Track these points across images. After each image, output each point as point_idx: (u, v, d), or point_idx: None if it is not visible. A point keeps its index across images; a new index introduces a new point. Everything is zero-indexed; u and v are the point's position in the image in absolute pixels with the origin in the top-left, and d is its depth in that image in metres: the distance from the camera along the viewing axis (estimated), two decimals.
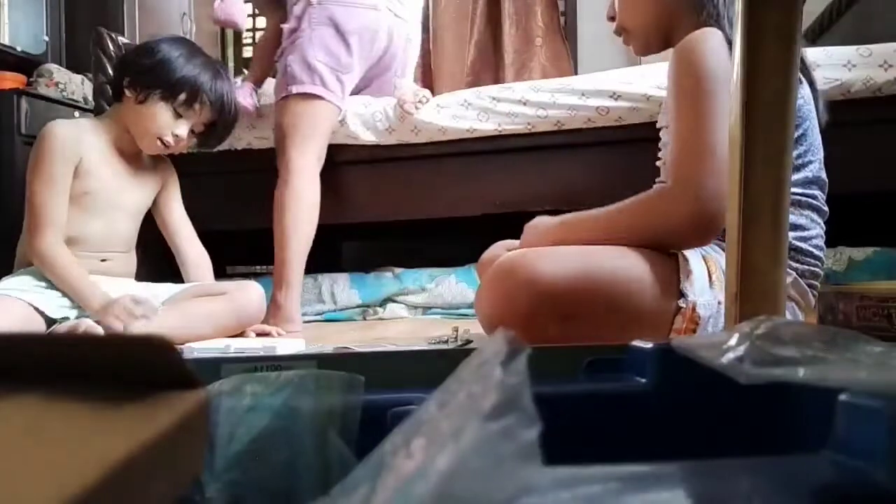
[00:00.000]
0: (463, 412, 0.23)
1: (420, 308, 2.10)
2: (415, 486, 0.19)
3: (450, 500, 0.18)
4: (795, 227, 0.97)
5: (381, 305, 2.10)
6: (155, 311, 1.40)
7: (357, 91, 1.90)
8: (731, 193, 0.55)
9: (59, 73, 2.73)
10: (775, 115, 0.53)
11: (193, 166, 1.89)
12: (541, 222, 1.06)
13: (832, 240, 1.43)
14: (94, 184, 1.53)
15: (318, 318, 2.06)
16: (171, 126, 1.54)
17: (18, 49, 2.81)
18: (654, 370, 0.43)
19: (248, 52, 4.06)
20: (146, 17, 3.10)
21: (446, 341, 1.37)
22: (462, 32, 3.38)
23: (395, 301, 2.10)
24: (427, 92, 1.88)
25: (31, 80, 2.66)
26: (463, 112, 1.85)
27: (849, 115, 1.53)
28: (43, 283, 1.46)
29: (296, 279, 1.66)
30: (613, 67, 1.89)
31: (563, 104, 1.77)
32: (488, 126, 1.83)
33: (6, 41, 2.79)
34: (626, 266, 0.88)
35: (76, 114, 2.64)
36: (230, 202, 2.02)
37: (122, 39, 2.02)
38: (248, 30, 3.91)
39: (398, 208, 1.97)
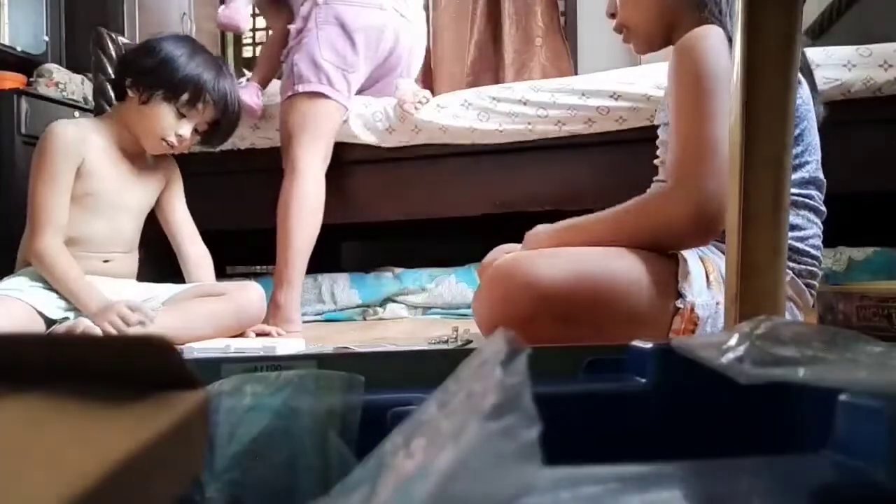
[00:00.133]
0: (463, 412, 0.23)
1: (420, 308, 2.10)
2: (415, 486, 0.19)
3: (450, 500, 0.18)
4: (792, 227, 0.97)
5: (381, 305, 2.10)
6: (151, 318, 1.38)
7: (362, 91, 1.90)
8: (731, 193, 0.55)
9: (59, 73, 2.73)
10: (775, 115, 0.53)
11: (195, 166, 1.89)
12: (541, 230, 1.05)
13: (832, 240, 1.43)
14: (97, 184, 1.52)
15: (318, 318, 2.06)
16: (174, 126, 1.54)
17: (18, 49, 2.81)
18: (653, 370, 0.43)
19: (248, 53, 4.07)
20: (146, 17, 3.10)
21: (446, 341, 1.37)
22: (462, 32, 3.38)
23: (395, 301, 2.10)
24: (427, 92, 1.88)
25: (31, 80, 2.66)
26: (463, 112, 1.84)
27: (849, 115, 1.54)
28: (43, 284, 1.45)
29: (297, 279, 1.66)
30: (613, 67, 1.89)
31: (564, 104, 1.77)
32: (488, 126, 1.83)
33: (6, 41, 2.79)
34: (625, 267, 0.88)
35: (76, 114, 2.64)
36: (231, 202, 2.02)
37: (122, 39, 2.02)
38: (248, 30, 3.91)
39: (398, 208, 1.97)
